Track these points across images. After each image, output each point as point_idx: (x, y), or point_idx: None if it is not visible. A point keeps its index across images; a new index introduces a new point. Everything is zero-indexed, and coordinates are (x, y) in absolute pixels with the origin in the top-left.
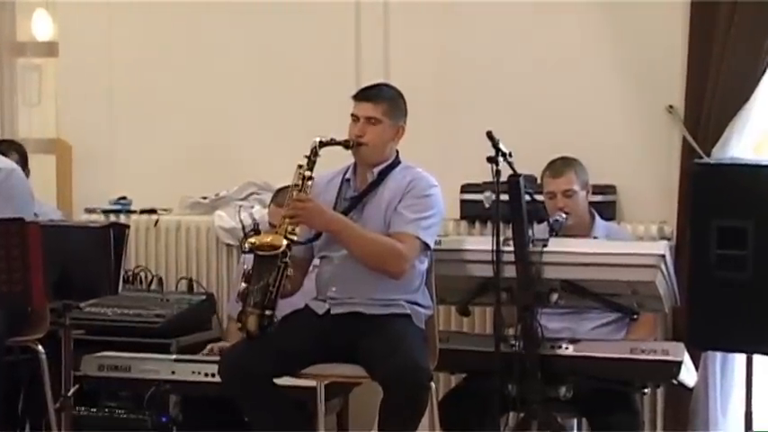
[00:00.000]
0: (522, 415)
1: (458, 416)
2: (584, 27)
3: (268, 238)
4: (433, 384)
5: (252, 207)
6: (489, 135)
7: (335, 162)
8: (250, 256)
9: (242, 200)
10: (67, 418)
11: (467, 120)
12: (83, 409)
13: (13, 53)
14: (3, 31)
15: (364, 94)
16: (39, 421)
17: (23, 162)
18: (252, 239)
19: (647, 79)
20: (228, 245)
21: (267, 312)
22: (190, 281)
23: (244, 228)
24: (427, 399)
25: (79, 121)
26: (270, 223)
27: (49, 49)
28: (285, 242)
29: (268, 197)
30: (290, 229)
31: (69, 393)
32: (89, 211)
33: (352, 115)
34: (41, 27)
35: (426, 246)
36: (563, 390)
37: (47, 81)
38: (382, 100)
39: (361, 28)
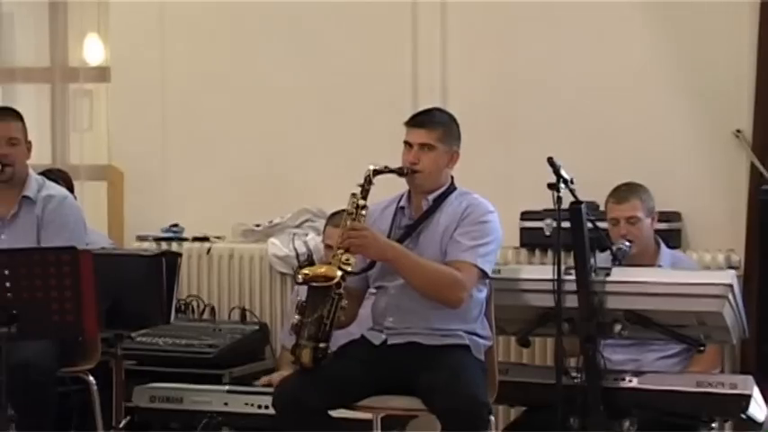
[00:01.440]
0: None
1: None
2: (649, 49)
3: (322, 270)
4: (492, 418)
5: (306, 234)
6: (550, 161)
7: (390, 189)
8: (304, 287)
9: (296, 227)
10: None
11: (526, 145)
12: None
13: (65, 78)
14: (55, 57)
15: (417, 121)
16: None
17: (69, 190)
18: (305, 271)
19: (713, 103)
20: (282, 273)
21: (321, 345)
22: (243, 310)
23: (298, 255)
24: None
25: (131, 147)
26: (325, 245)
27: (101, 74)
28: (339, 273)
29: (322, 224)
30: (344, 259)
31: (120, 425)
32: (141, 238)
33: (406, 142)
34: (93, 52)
35: (484, 274)
36: (627, 424)
37: (98, 107)
38: (436, 126)
39: (417, 52)
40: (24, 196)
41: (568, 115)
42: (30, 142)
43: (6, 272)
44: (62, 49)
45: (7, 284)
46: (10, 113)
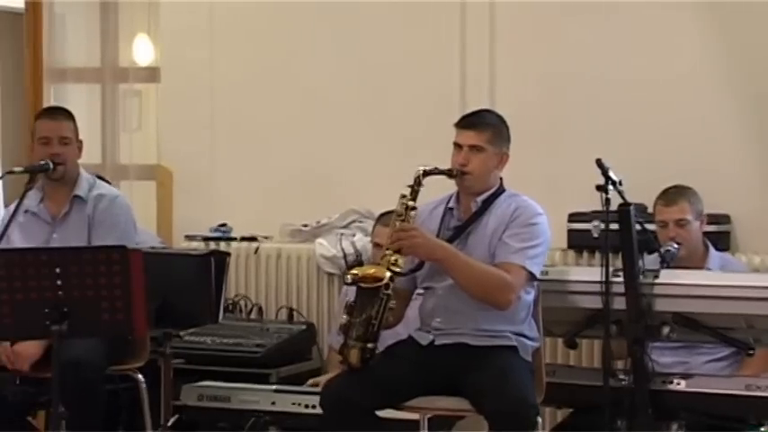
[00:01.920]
0: None
1: None
2: (698, 49)
3: (371, 271)
4: (539, 419)
5: (353, 235)
6: (599, 162)
7: (438, 190)
8: (352, 288)
9: (343, 228)
10: None
11: (575, 146)
12: None
13: (115, 79)
14: (106, 57)
15: (467, 122)
16: None
17: None
18: (354, 271)
19: (763, 103)
20: (329, 273)
21: (369, 345)
22: (290, 310)
23: (345, 256)
24: None
25: (180, 146)
26: (374, 243)
27: (151, 74)
28: (388, 274)
29: (370, 225)
30: (393, 260)
31: (169, 423)
32: (189, 238)
33: (455, 143)
34: (143, 53)
35: (533, 276)
36: (675, 426)
37: (147, 107)
38: (485, 127)
39: (466, 53)
40: (75, 195)
41: (617, 116)
42: (81, 141)
43: (58, 270)
44: (113, 49)
45: (58, 283)
46: (62, 113)
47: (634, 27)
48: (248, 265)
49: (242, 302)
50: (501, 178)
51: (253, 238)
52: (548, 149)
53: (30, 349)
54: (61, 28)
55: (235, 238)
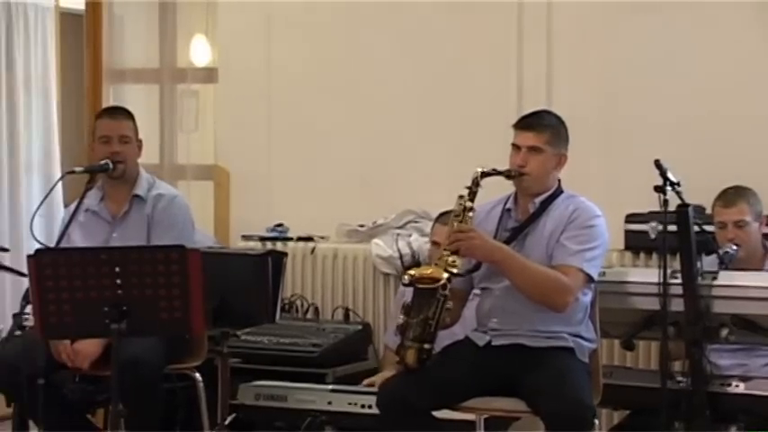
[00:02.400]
0: None
1: None
2: (758, 47)
3: (428, 271)
4: (596, 421)
5: (410, 235)
6: (657, 163)
7: (495, 191)
8: (408, 288)
9: (400, 228)
10: None
11: (632, 147)
12: None
13: (173, 79)
14: (164, 58)
15: (526, 123)
16: None
17: None
18: (411, 272)
19: None
20: (385, 274)
21: (426, 346)
22: (346, 310)
23: (401, 256)
24: None
25: (237, 147)
26: (432, 242)
27: (209, 75)
28: (446, 275)
29: (426, 225)
30: (450, 261)
31: (226, 422)
32: (246, 238)
33: (514, 144)
34: (200, 53)
35: (590, 278)
36: (733, 429)
37: (204, 107)
38: (544, 128)
39: (523, 53)
40: (135, 195)
41: (676, 117)
42: (140, 141)
43: (117, 269)
44: (171, 50)
45: (118, 282)
46: (122, 112)
47: (693, 27)
48: (305, 265)
49: (298, 302)
50: (559, 179)
51: (309, 239)
52: (605, 150)
53: (89, 347)
54: (120, 29)
55: (291, 238)
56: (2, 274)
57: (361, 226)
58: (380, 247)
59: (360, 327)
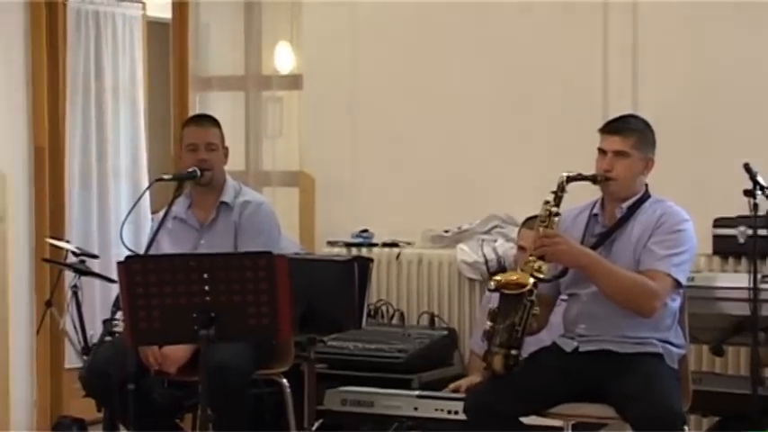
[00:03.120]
0: None
1: None
2: None
3: (514, 277)
4: (686, 428)
5: (495, 241)
6: (746, 167)
7: (581, 197)
8: (494, 294)
9: (485, 233)
10: None
11: (721, 150)
12: None
13: (259, 86)
14: (249, 65)
15: (612, 127)
16: None
17: None
18: (497, 278)
19: None
20: (471, 279)
21: (513, 352)
22: (431, 315)
23: (486, 262)
24: None
25: (322, 153)
26: (519, 246)
27: (294, 82)
28: (532, 280)
29: (511, 230)
30: (536, 266)
31: (314, 428)
32: (331, 243)
33: (600, 149)
34: (285, 60)
35: (678, 283)
36: None
37: (289, 114)
38: (631, 133)
39: (609, 56)
40: (222, 202)
41: (764, 119)
42: (227, 148)
43: (206, 276)
44: (256, 57)
45: (206, 288)
46: (208, 120)
47: None
48: (390, 271)
49: (384, 308)
50: (646, 184)
51: (394, 244)
52: (693, 154)
53: (178, 353)
54: (206, 37)
55: (376, 244)
56: (91, 281)
57: (447, 231)
58: (466, 252)
59: (445, 332)
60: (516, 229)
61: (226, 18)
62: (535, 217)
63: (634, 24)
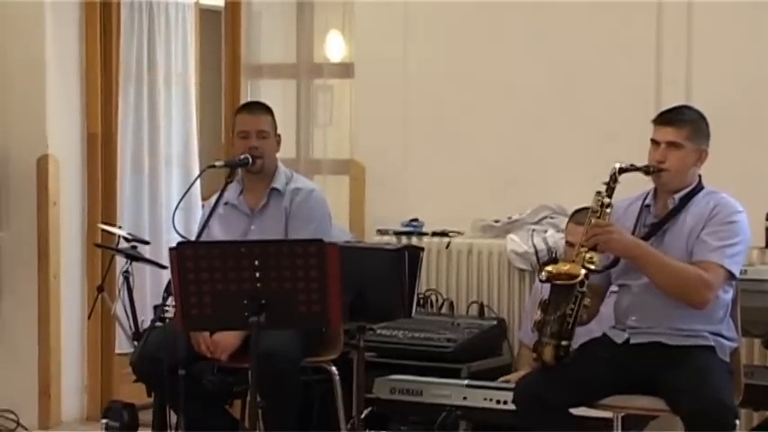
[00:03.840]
0: None
1: None
2: None
3: (565, 267)
4: (738, 421)
5: (545, 231)
6: None
7: (633, 188)
8: (544, 284)
9: (535, 224)
10: None
11: None
12: (373, 431)
13: (310, 75)
14: (301, 53)
15: (665, 118)
16: None
17: None
18: (549, 268)
19: None
20: (521, 269)
21: (563, 343)
22: (481, 305)
23: (537, 252)
24: None
25: (373, 141)
26: (567, 242)
27: (345, 70)
28: (583, 271)
29: (561, 221)
30: (587, 257)
31: (362, 416)
32: (381, 232)
33: (653, 140)
34: (337, 49)
35: (732, 275)
36: None
37: (340, 102)
38: (684, 124)
39: (663, 47)
40: (273, 188)
41: None
42: (279, 136)
43: (257, 263)
44: (307, 45)
45: (257, 275)
46: (260, 108)
47: None
48: (439, 260)
49: (433, 297)
50: (700, 175)
51: (444, 233)
52: (746, 145)
53: (228, 339)
54: (258, 25)
55: (426, 233)
56: (142, 266)
57: (497, 221)
58: (516, 242)
59: (494, 322)
60: (566, 220)
61: (278, 6)
62: (582, 209)
63: (689, 15)
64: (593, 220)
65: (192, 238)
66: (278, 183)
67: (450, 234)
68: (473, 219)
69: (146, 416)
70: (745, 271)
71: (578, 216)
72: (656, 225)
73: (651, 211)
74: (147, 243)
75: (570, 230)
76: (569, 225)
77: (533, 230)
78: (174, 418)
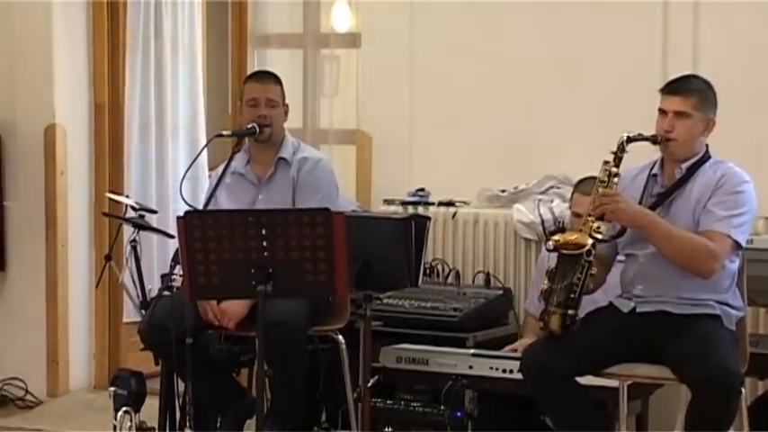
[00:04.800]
0: None
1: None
2: None
3: (573, 237)
4: (743, 389)
5: (551, 201)
6: None
7: (641, 157)
8: (550, 254)
9: (541, 193)
10: (365, 407)
11: None
12: (379, 400)
13: (317, 44)
14: (307, 23)
15: (673, 88)
16: (336, 410)
17: None
18: (556, 237)
19: None
20: (527, 239)
21: (570, 312)
22: (487, 275)
23: (543, 222)
24: (738, 404)
25: (379, 112)
26: (573, 212)
27: (351, 40)
28: (590, 241)
29: (567, 191)
30: (594, 226)
31: (368, 384)
32: (388, 202)
33: (660, 110)
34: (343, 19)
35: (738, 245)
36: None
37: (347, 72)
38: (692, 93)
39: (669, 16)
40: (280, 158)
41: None
42: (287, 105)
43: (264, 232)
44: (314, 15)
45: (264, 244)
46: (269, 77)
47: None
48: (446, 230)
49: (439, 267)
50: (707, 145)
51: (450, 203)
52: (755, 115)
53: (236, 308)
54: None
55: (432, 203)
56: (150, 235)
57: (503, 191)
58: (522, 212)
59: (500, 292)
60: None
61: None
62: (587, 179)
63: None
64: (600, 190)
65: (200, 207)
66: (285, 152)
67: (457, 204)
68: (479, 188)
69: (153, 384)
70: (752, 240)
71: (583, 186)
72: (662, 195)
73: (658, 181)
74: (154, 212)
75: (576, 201)
76: (575, 195)
77: (539, 200)
78: (181, 386)
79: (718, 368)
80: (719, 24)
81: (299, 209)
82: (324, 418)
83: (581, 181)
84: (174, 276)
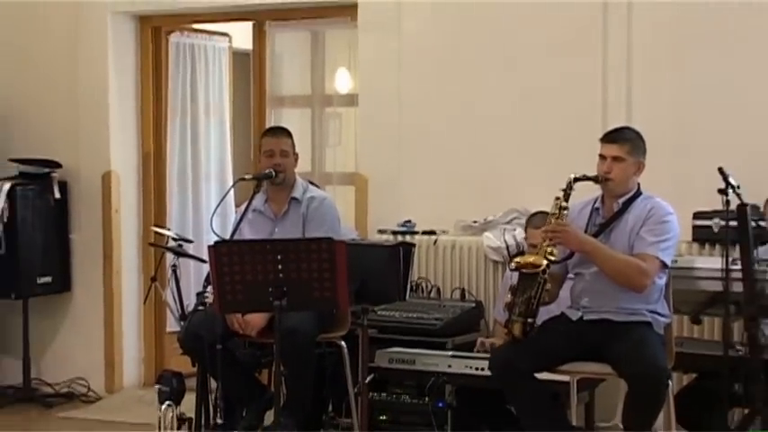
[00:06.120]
0: (747, 411)
1: (691, 409)
2: None
3: (531, 259)
4: (670, 382)
5: (514, 230)
6: (721, 170)
7: (585, 193)
8: (515, 273)
9: (506, 223)
10: (364, 400)
11: (699, 156)
12: (375, 394)
13: (322, 104)
14: (315, 86)
15: (610, 137)
16: (340, 403)
17: None
18: (517, 259)
19: None
20: (494, 261)
21: (529, 320)
22: (462, 290)
23: (508, 247)
24: (666, 394)
25: (374, 158)
26: (529, 244)
27: (350, 100)
28: (545, 262)
29: None
30: (549, 250)
31: (366, 381)
32: (381, 231)
33: (600, 155)
34: (344, 82)
35: (665, 264)
36: None
37: (347, 126)
38: (625, 141)
39: (607, 80)
40: (293, 197)
41: (735, 129)
42: (297, 154)
43: (279, 257)
44: (320, 81)
45: (279, 267)
46: (282, 131)
47: (748, 57)
48: (428, 254)
49: (423, 284)
50: (638, 183)
51: (432, 232)
52: (677, 159)
53: (257, 319)
54: (280, 64)
55: (417, 232)
56: (187, 261)
57: (475, 222)
58: (491, 239)
59: (473, 304)
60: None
61: (296, 48)
62: (536, 214)
63: (629, 54)
64: (552, 221)
65: (227, 237)
66: (297, 193)
67: (438, 232)
68: (456, 220)
69: (191, 382)
70: (676, 261)
71: (534, 220)
72: (603, 225)
73: (600, 213)
74: (190, 242)
75: (530, 235)
76: (528, 229)
77: (505, 229)
78: (213, 384)
79: (649, 365)
80: (649, 85)
81: (308, 238)
82: (330, 408)
83: (532, 215)
84: (207, 294)
